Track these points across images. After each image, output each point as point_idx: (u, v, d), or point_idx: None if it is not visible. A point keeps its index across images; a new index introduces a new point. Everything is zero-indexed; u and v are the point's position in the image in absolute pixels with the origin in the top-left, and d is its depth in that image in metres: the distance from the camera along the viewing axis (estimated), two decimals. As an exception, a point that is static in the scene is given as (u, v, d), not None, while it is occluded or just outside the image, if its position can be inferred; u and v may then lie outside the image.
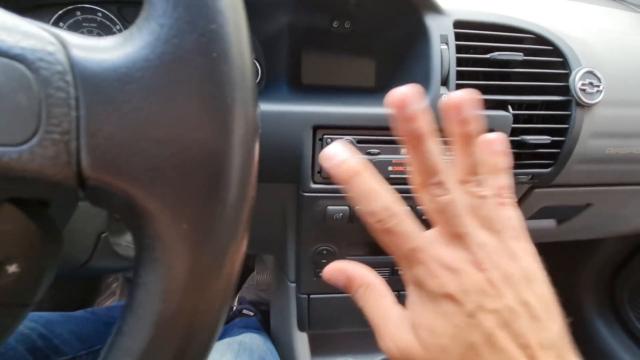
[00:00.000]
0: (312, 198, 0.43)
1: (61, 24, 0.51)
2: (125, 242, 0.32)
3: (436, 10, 0.41)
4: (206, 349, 0.13)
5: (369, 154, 0.42)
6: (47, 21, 0.50)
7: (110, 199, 0.12)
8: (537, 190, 0.54)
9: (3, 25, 0.11)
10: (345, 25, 0.50)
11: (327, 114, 0.40)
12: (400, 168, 0.43)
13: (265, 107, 0.40)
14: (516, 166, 0.47)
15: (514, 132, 0.43)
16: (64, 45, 0.11)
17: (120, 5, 0.51)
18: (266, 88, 0.50)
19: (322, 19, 0.49)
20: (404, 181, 0.43)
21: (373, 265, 0.51)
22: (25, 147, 0.11)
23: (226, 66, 0.12)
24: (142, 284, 0.12)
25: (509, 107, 0.43)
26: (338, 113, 0.40)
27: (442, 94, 0.40)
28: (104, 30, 0.51)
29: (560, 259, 1.06)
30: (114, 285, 1.06)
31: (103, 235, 0.28)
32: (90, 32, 0.51)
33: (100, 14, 0.51)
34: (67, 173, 0.11)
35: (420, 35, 0.41)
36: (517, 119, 0.43)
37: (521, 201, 0.57)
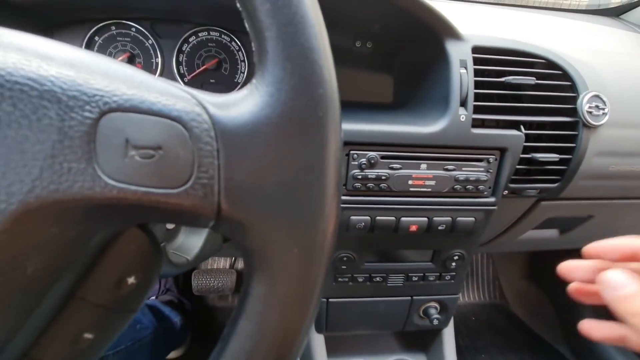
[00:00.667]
0: (337, 209, 0.46)
1: (97, 37, 0.53)
2: (172, 250, 0.35)
3: (456, 36, 0.44)
4: (297, 350, 0.16)
5: (391, 168, 0.45)
6: (83, 36, 0.53)
7: (237, 229, 0.15)
8: (543, 202, 0.58)
9: (160, 89, 0.14)
10: (367, 46, 0.53)
11: (356, 132, 0.43)
12: (420, 182, 0.46)
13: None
14: (526, 181, 0.50)
15: (525, 150, 0.47)
16: (202, 104, 0.14)
17: (153, 22, 0.54)
18: None
19: (346, 40, 0.52)
20: (422, 193, 0.47)
21: (390, 272, 0.54)
22: (181, 189, 0.13)
23: (327, 123, 0.15)
24: (256, 295, 0.15)
25: (521, 127, 0.46)
26: (366, 131, 0.43)
27: (460, 115, 0.43)
28: (137, 44, 0.54)
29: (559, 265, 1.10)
30: (126, 285, 1.08)
31: (162, 244, 0.30)
32: (124, 46, 0.54)
33: (134, 29, 0.54)
34: (210, 209, 0.14)
35: (441, 58, 0.45)
36: (528, 137, 0.46)
37: (527, 213, 0.60)
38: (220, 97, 0.15)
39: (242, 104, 0.15)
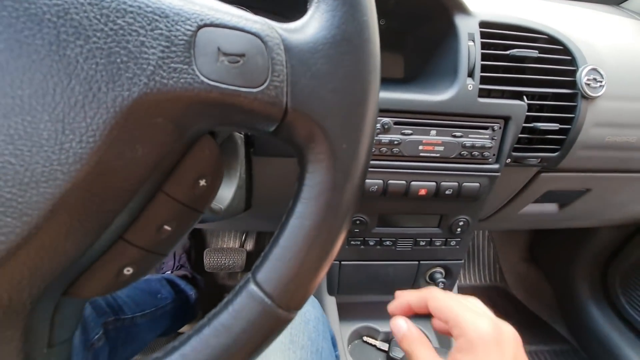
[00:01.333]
0: (352, 172, 0.50)
1: None
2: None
3: (465, 11, 0.47)
4: (347, 227, 0.20)
5: (403, 134, 0.48)
6: None
7: (297, 128, 0.18)
8: (543, 174, 0.61)
9: (242, 14, 0.17)
10: (380, 23, 0.56)
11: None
12: (429, 147, 0.49)
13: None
14: (527, 150, 0.54)
15: (527, 120, 0.50)
16: (273, 27, 0.18)
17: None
18: None
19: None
20: (431, 159, 0.50)
21: (399, 236, 0.58)
22: (259, 89, 0.17)
23: (370, 43, 0.18)
24: (310, 184, 0.19)
25: (524, 98, 0.50)
26: (381, 98, 0.46)
27: (468, 84, 0.47)
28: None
29: (559, 249, 1.14)
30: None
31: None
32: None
33: None
34: (279, 109, 0.17)
35: (450, 33, 0.48)
36: (530, 108, 0.50)
37: (528, 185, 0.64)
38: (286, 24, 0.19)
39: (305, 30, 0.18)
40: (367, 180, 0.50)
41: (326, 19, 0.18)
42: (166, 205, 0.20)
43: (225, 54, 0.16)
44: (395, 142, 0.48)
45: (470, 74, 0.47)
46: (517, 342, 0.28)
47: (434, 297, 0.31)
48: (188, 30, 0.16)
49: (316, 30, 0.18)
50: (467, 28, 0.47)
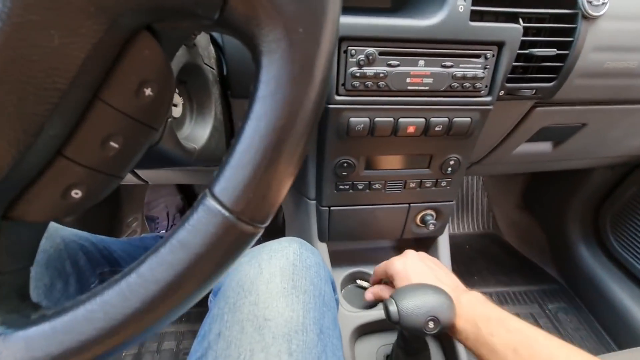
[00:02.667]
0: (336, 110, 0.47)
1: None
2: (182, 138, 0.36)
3: None
4: (311, 125, 0.17)
5: (389, 65, 0.45)
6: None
7: (241, 12, 0.15)
8: (538, 109, 0.59)
9: None
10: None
11: (352, 26, 0.42)
12: (417, 80, 0.46)
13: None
14: (522, 80, 0.51)
15: (522, 45, 0.47)
16: None
17: None
18: None
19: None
20: (420, 93, 0.47)
21: (388, 179, 0.56)
22: None
23: None
24: (266, 80, 0.16)
25: (520, 21, 0.46)
26: (362, 24, 0.42)
27: (458, 5, 0.43)
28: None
29: (552, 194, 1.14)
30: (135, 224, 1.12)
31: (169, 119, 0.31)
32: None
33: None
34: None
35: (439, -53, 0.43)
36: (526, 32, 0.46)
37: (522, 121, 0.61)
38: None
39: None
40: (352, 119, 0.48)
41: None
42: (107, 116, 0.18)
43: None
44: (381, 75, 0.45)
45: (462, -7, 0.43)
46: (416, 256, 0.50)
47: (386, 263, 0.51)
48: None
49: None
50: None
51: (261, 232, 0.19)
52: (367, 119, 0.48)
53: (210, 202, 0.17)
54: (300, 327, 0.31)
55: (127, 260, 0.65)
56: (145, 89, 0.18)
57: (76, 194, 0.19)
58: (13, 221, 0.18)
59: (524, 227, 1.28)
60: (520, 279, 1.16)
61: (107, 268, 0.57)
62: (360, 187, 0.56)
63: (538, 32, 0.48)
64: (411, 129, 0.49)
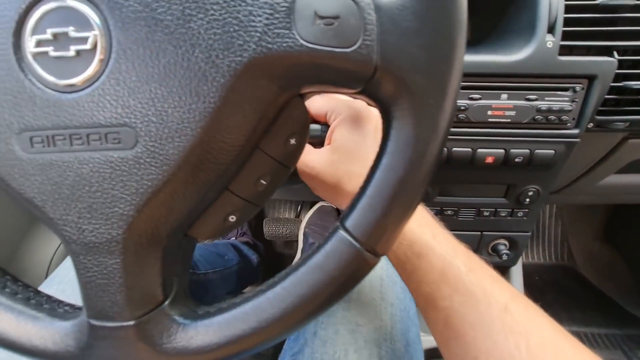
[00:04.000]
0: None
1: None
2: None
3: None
4: (430, 176, 0.21)
5: (471, 99, 0.46)
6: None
7: (386, 83, 0.19)
8: (630, 140, 0.55)
9: None
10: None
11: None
12: (499, 112, 0.47)
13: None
14: (614, 113, 0.48)
15: (616, 78, 0.45)
16: None
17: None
18: None
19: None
20: (500, 124, 0.48)
21: (461, 206, 0.57)
22: (353, 48, 0.18)
23: (452, 4, 0.19)
24: (395, 139, 0.20)
25: (614, 53, 0.45)
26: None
27: (547, 41, 0.43)
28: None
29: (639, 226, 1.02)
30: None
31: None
32: None
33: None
34: (369, 67, 0.18)
35: (529, -15, 0.44)
36: (621, 65, 0.45)
37: (611, 153, 0.58)
38: None
39: None
40: (430, 148, 0.49)
41: None
42: (262, 161, 0.23)
43: (321, 17, 0.18)
44: (462, 108, 0.47)
45: (551, 30, 0.43)
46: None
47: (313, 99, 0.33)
48: None
49: None
50: (549, -23, 0.43)
51: (379, 262, 0.22)
52: (444, 149, 0.50)
53: (342, 234, 0.21)
54: (389, 336, 0.33)
55: (204, 265, 0.72)
56: (291, 139, 0.23)
57: (232, 219, 0.24)
58: (188, 238, 0.24)
59: (604, 261, 1.16)
60: (600, 319, 1.05)
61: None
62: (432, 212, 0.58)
63: (634, 63, 0.46)
64: (489, 160, 0.50)
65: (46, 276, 0.50)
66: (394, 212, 0.20)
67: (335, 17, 0.18)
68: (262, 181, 0.23)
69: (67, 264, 0.44)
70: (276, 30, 0.18)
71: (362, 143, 0.30)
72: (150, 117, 0.18)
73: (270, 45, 0.18)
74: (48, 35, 0.18)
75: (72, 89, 0.18)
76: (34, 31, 0.18)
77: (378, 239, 0.21)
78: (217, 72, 0.18)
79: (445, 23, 0.19)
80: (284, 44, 0.18)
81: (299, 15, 0.18)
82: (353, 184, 0.30)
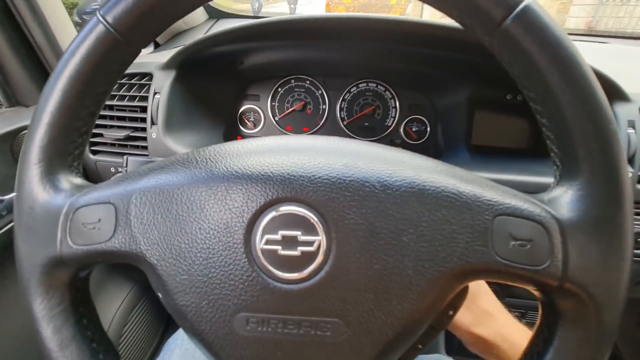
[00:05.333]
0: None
1: (279, 89, 0.66)
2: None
3: (625, 98, 0.47)
4: None
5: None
6: (270, 88, 0.66)
7: (564, 296, 0.21)
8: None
9: (520, 197, 0.22)
10: (518, 98, 0.58)
11: (522, 183, 0.48)
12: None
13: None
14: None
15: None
16: (543, 207, 0.22)
17: (325, 77, 0.65)
18: (448, 151, 0.60)
19: (498, 93, 0.57)
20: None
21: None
22: (542, 267, 0.21)
23: (628, 220, 0.21)
24: (567, 338, 0.22)
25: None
26: (532, 182, 0.48)
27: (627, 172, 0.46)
28: (309, 94, 0.66)
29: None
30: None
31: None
32: (299, 95, 0.66)
33: (308, 82, 0.66)
34: (556, 281, 0.20)
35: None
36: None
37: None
38: (545, 195, 0.22)
39: (565, 202, 0.21)
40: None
41: (583, 196, 0.21)
42: (425, 331, 0.25)
43: (516, 239, 0.21)
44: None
45: (630, 161, 0.46)
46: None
47: None
48: (487, 219, 0.21)
49: (577, 207, 0.21)
50: (626, 115, 0.47)
51: None
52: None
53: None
54: None
55: None
56: (450, 311, 0.25)
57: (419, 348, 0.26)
58: None
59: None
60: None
61: None
62: None
63: None
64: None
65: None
66: None
67: (529, 240, 0.21)
68: (419, 345, 0.25)
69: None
70: (476, 247, 0.21)
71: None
72: (359, 313, 0.20)
73: (470, 260, 0.20)
74: (278, 236, 0.21)
75: (291, 282, 0.21)
76: (265, 231, 0.21)
77: None
78: (421, 279, 0.20)
79: (621, 245, 0.21)
80: (482, 259, 0.21)
81: (496, 236, 0.21)
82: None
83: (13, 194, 0.49)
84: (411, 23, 0.49)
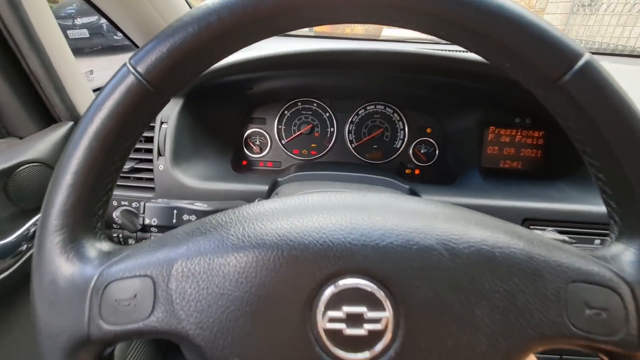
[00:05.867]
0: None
1: (286, 112, 0.65)
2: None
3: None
4: None
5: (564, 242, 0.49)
6: (277, 111, 0.64)
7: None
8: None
9: (585, 259, 0.21)
10: (526, 121, 0.58)
11: (537, 210, 0.48)
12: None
13: (483, 201, 0.49)
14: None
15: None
16: (609, 268, 0.21)
17: (333, 99, 0.64)
18: (461, 174, 0.59)
19: (507, 117, 0.58)
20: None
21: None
22: (617, 338, 0.20)
23: None
24: None
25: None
26: (546, 209, 0.48)
27: None
28: (317, 116, 0.64)
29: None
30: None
31: None
32: (306, 119, 0.64)
33: (315, 104, 0.64)
34: (630, 350, 0.20)
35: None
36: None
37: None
38: (606, 252, 0.22)
39: (629, 261, 0.21)
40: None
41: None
42: None
43: (591, 307, 0.20)
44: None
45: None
46: None
47: None
48: (560, 287, 0.20)
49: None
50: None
51: None
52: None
53: None
54: None
55: None
56: None
57: None
58: None
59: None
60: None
61: None
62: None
63: None
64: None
65: None
66: None
67: (604, 309, 0.20)
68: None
69: None
70: (551, 318, 0.20)
71: None
72: None
73: (545, 332, 0.20)
74: (341, 313, 0.19)
75: None
76: (328, 306, 0.19)
77: None
78: (496, 355, 0.19)
79: None
80: (558, 331, 0.20)
81: (570, 305, 0.20)
82: None
83: (9, 239, 0.45)
84: (427, 56, 0.48)
